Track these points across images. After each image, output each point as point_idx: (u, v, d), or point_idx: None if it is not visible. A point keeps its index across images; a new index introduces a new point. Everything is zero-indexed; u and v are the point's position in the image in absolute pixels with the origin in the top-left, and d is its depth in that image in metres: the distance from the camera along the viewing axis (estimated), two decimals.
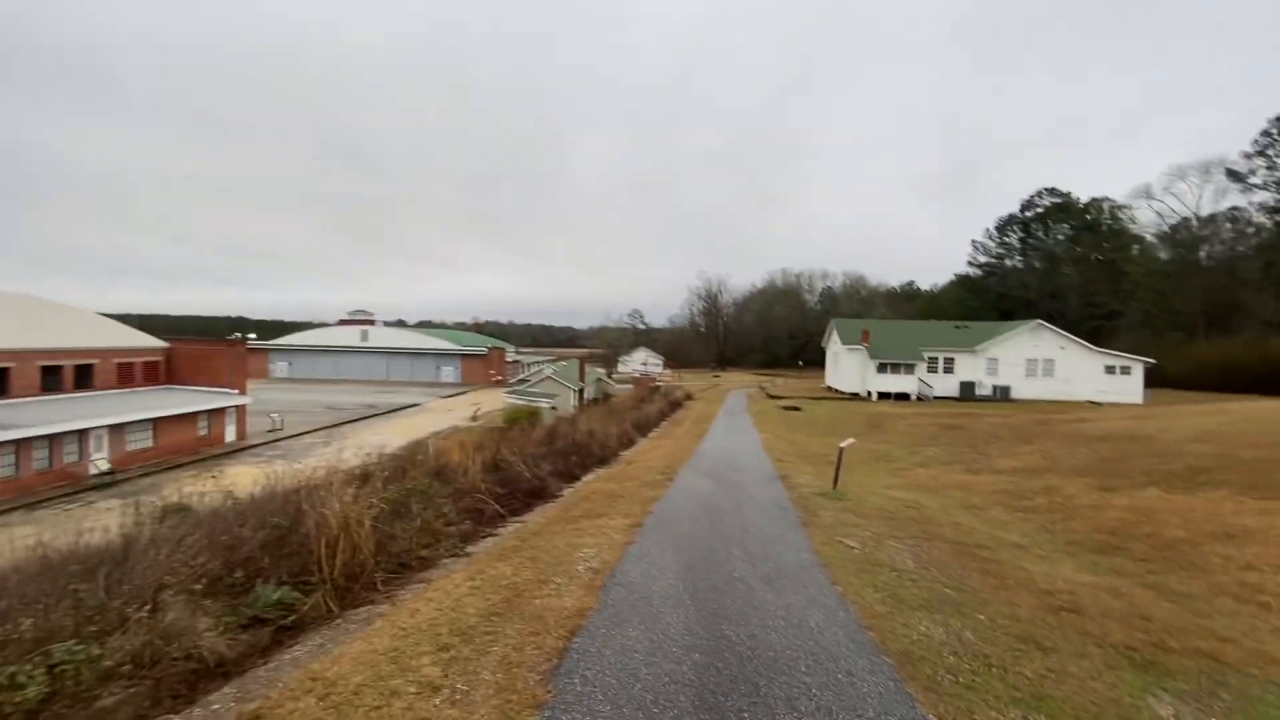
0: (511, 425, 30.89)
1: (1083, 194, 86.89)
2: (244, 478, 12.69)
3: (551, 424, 22.94)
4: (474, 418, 49.62)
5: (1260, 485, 8.92)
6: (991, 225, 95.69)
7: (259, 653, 4.42)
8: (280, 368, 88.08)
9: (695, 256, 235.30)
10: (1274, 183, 65.48)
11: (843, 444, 10.20)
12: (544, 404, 49.43)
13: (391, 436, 40.19)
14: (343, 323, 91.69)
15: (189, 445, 32.51)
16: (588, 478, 13.16)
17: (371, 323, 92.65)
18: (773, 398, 48.08)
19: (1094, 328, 67.59)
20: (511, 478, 10.67)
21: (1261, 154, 65.22)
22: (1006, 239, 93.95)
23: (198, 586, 4.58)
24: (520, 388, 59.38)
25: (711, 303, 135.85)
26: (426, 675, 3.73)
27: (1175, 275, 70.89)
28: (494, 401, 59.97)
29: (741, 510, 8.68)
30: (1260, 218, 66.94)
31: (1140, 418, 19.59)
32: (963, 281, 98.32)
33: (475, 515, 8.49)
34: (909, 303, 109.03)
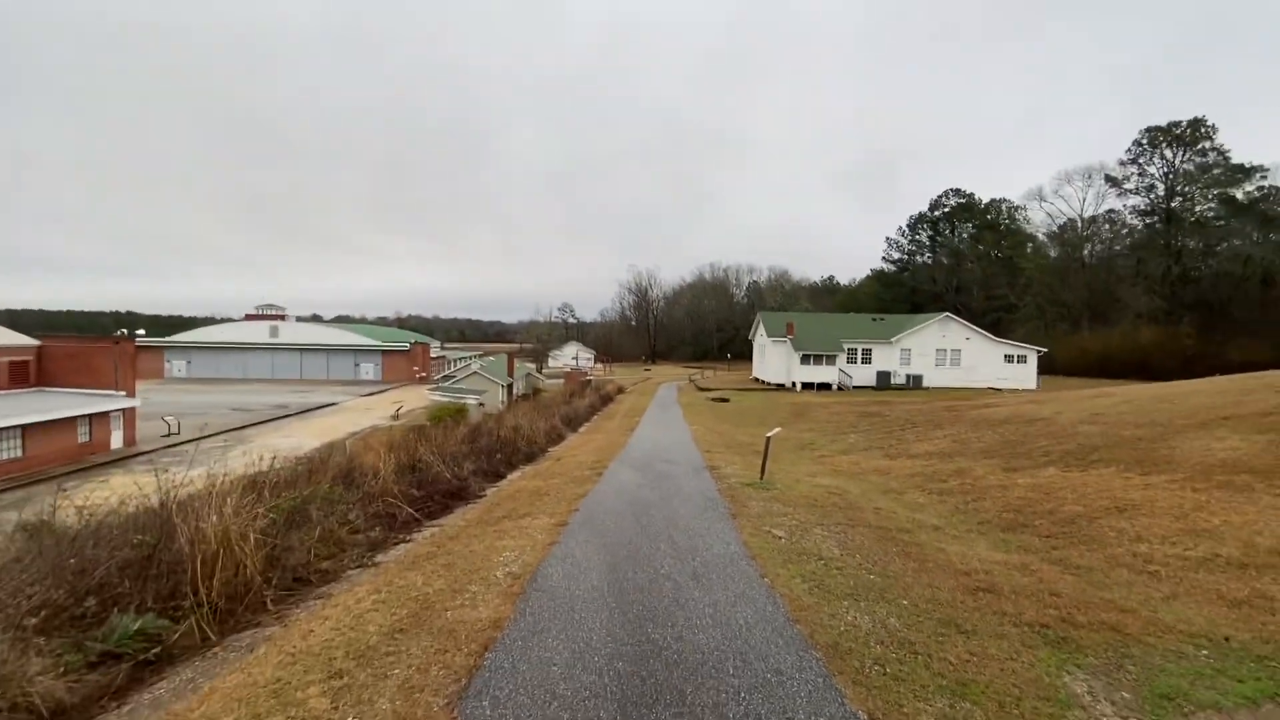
0: (436, 423, 29.68)
1: (985, 195, 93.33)
2: (126, 488, 11.34)
3: (478, 421, 22.13)
4: (396, 416, 47.46)
5: (1142, 461, 9.66)
6: (904, 223, 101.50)
7: (111, 694, 3.78)
8: (177, 367, 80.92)
9: (626, 250, 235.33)
10: (1144, 188, 72.69)
11: (769, 434, 10.26)
12: (471, 400, 47.94)
13: (305, 438, 37.74)
14: (250, 318, 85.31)
15: (68, 454, 29.18)
16: (513, 476, 12.67)
17: (282, 318, 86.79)
18: (702, 390, 48.76)
19: (994, 319, 72.86)
20: (430, 479, 10.05)
21: (1134, 162, 72.19)
22: (917, 236, 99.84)
23: (32, 621, 3.86)
24: (446, 384, 57.38)
25: (642, 297, 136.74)
26: (313, 709, 3.27)
27: (1062, 271, 77.54)
28: (418, 399, 57.60)
29: (670, 503, 8.51)
30: (1133, 220, 74.15)
31: (1036, 402, 21.09)
32: (878, 276, 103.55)
33: (388, 521, 7.89)
34: (830, 296, 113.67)
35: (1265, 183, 63.61)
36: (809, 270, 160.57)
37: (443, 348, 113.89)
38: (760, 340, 56.18)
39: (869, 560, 5.83)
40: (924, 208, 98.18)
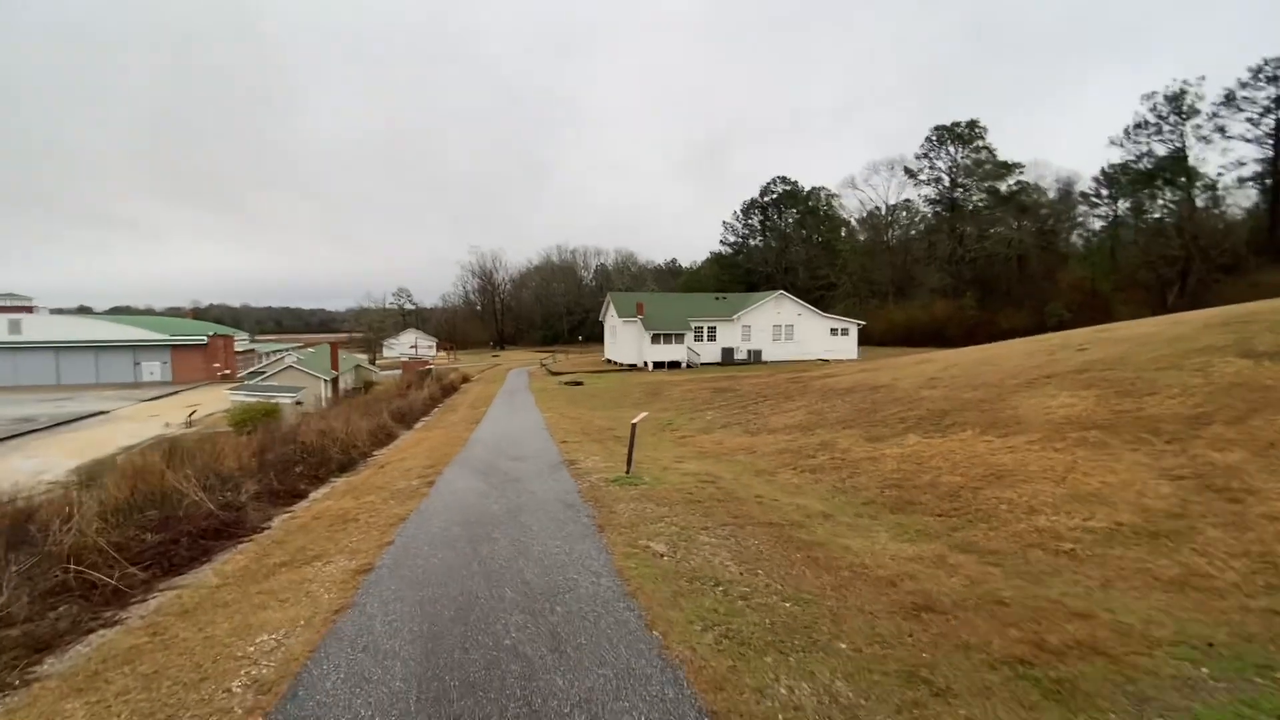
0: (239, 429, 24.78)
1: (807, 183, 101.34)
2: None
3: (294, 423, 18.39)
4: (189, 423, 39.67)
5: (995, 424, 9.78)
6: (738, 208, 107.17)
7: None
8: None
9: (466, 230, 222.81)
10: (934, 179, 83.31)
11: (635, 420, 8.89)
12: (285, 399, 41.43)
13: (57, 459, 29.73)
14: None
15: None
16: (319, 493, 9.98)
17: (29, 309, 69.32)
18: (554, 374, 46.89)
19: (819, 297, 79.53)
20: (181, 515, 7.22)
21: (926, 156, 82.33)
22: (750, 221, 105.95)
23: None
24: (253, 382, 49.28)
25: (487, 280, 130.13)
26: None
27: (872, 253, 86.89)
28: (219, 401, 48.93)
29: (519, 518, 6.73)
30: (925, 207, 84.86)
31: (870, 370, 22.32)
32: (717, 259, 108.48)
33: (83, 595, 5.20)
34: (674, 278, 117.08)
35: (1022, 177, 75.89)
36: (654, 253, 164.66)
37: (253, 340, 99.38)
38: (611, 321, 55.50)
39: (775, 577, 4.60)
40: (755, 194, 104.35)
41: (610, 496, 7.53)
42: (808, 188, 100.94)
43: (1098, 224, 72.59)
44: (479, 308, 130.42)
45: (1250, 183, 55.65)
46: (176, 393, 59.34)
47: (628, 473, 8.71)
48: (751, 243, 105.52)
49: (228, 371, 71.46)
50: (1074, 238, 77.19)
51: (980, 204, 78.99)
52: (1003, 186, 77.36)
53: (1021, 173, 76.91)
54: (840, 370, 27.02)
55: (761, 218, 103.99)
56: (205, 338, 72.51)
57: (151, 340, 70.59)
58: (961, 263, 77.27)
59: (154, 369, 69.85)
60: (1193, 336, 11.64)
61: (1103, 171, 68.30)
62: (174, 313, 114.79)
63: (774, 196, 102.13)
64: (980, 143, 79.21)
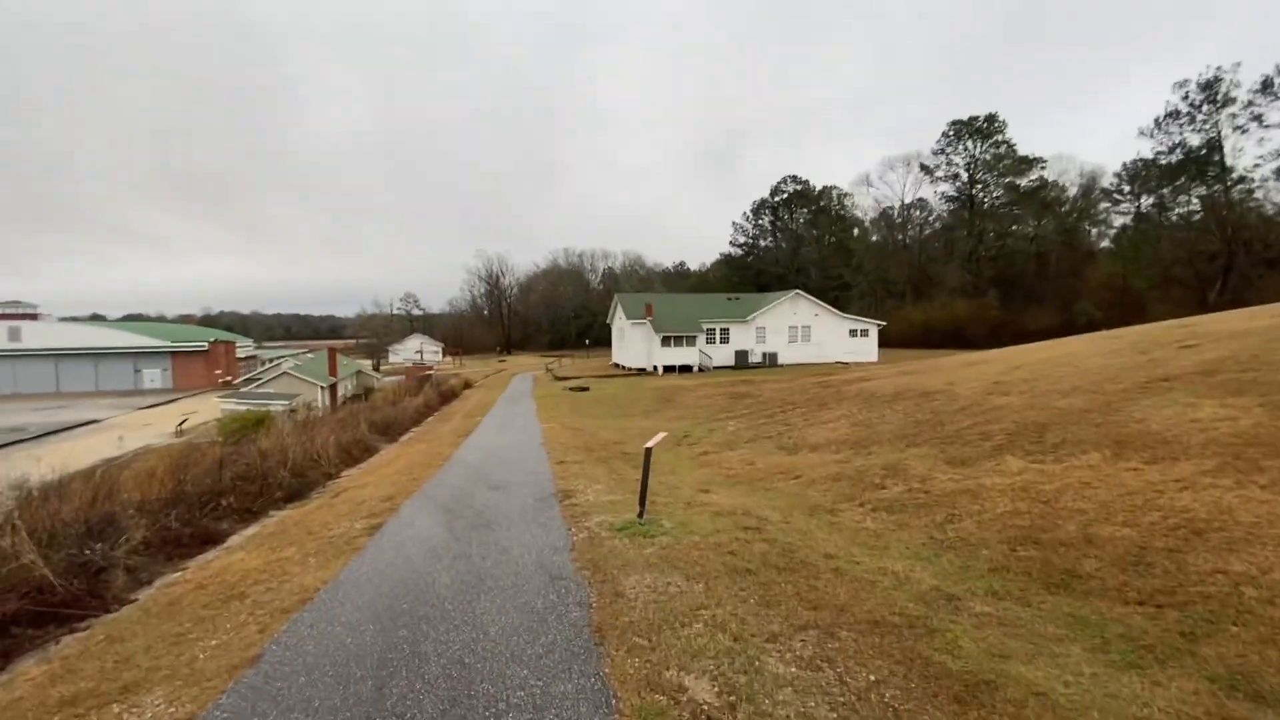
0: (233, 438, 22.77)
1: (819, 181, 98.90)
2: None
3: (284, 432, 16.17)
4: (178, 432, 37.75)
5: (1126, 443, 7.35)
6: (748, 209, 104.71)
7: None
8: None
9: (472, 235, 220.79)
10: (951, 177, 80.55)
11: (650, 442, 6.54)
12: (278, 407, 39.39)
13: (41, 468, 27.79)
14: None
15: None
16: (238, 537, 7.67)
17: (34, 317, 68.08)
18: (560, 379, 44.59)
19: (833, 298, 76.75)
20: None
21: (943, 152, 79.62)
22: (760, 221, 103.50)
23: None
24: (247, 390, 47.37)
25: (494, 284, 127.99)
26: None
27: (888, 252, 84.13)
28: (215, 409, 47.08)
29: (474, 605, 4.37)
30: (942, 205, 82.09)
31: (911, 374, 19.84)
32: (727, 260, 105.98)
33: None
34: (682, 281, 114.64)
35: (1044, 172, 72.95)
36: (662, 256, 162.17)
37: (259, 346, 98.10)
38: (619, 324, 53.17)
39: None
40: (765, 194, 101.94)
41: (616, 560, 5.17)
42: (819, 187, 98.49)
43: (1121, 220, 69.50)
44: (486, 312, 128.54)
45: None
46: (175, 400, 57.65)
47: (640, 517, 6.34)
48: (762, 243, 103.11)
49: (230, 378, 69.79)
50: (1098, 234, 74.15)
51: (1000, 200, 76.14)
52: (1023, 182, 74.46)
53: (1043, 168, 74.00)
54: (871, 373, 24.56)
55: (772, 218, 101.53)
56: (206, 344, 70.88)
57: (152, 347, 69.09)
58: (982, 261, 74.39)
59: (154, 376, 68.33)
60: None
61: (1125, 166, 65.46)
62: (185, 320, 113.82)
63: (785, 196, 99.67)
64: (1000, 137, 76.36)
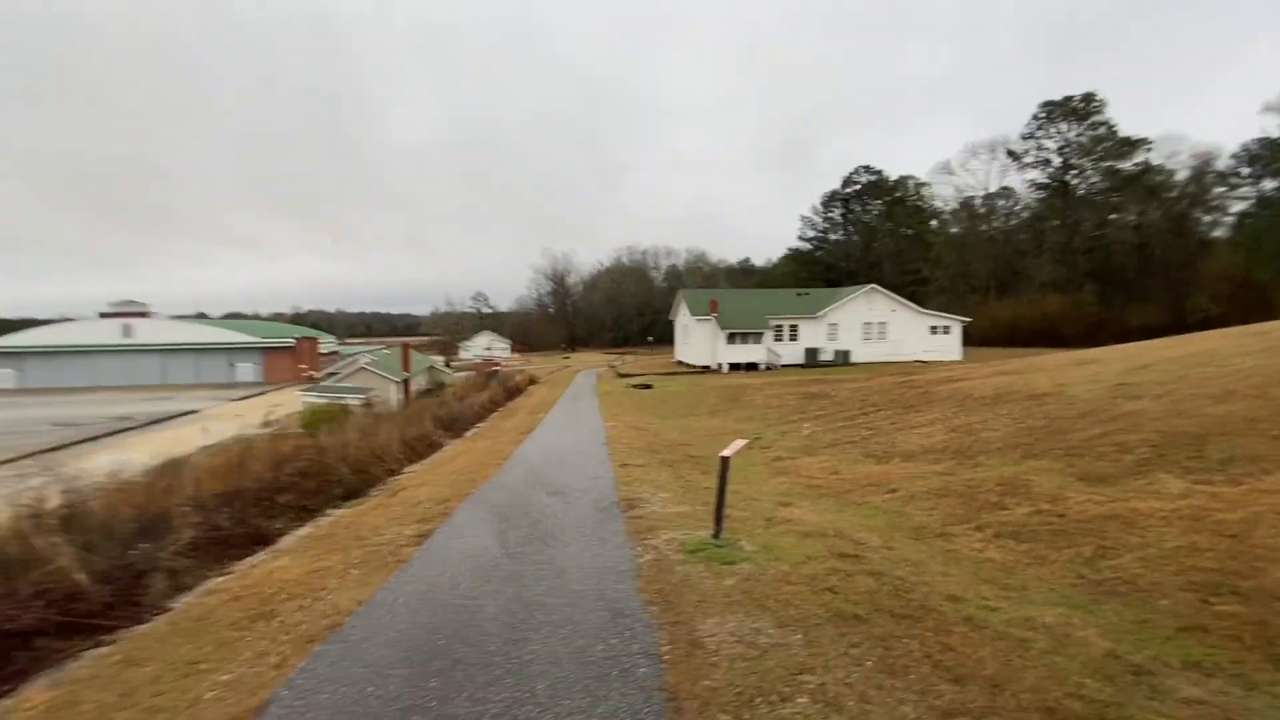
0: (310, 429, 23.60)
1: (894, 171, 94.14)
2: None
3: (365, 425, 16.35)
4: (265, 423, 39.79)
5: None
6: (817, 201, 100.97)
7: None
8: (4, 377, 66.66)
9: (540, 233, 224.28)
10: (1041, 162, 74.63)
11: (727, 451, 5.62)
12: (354, 400, 40.90)
13: (138, 456, 29.90)
14: (105, 316, 71.94)
15: None
16: (289, 539, 7.34)
17: (145, 315, 74.16)
18: (623, 376, 44.18)
19: (910, 293, 72.54)
20: None
21: (1033, 136, 73.87)
22: (830, 214, 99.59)
23: None
24: (326, 384, 49.57)
25: (559, 282, 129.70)
26: None
27: (969, 245, 78.91)
28: (298, 402, 49.58)
29: (520, 648, 3.63)
30: (1032, 193, 76.17)
31: (1009, 373, 17.91)
32: (794, 256, 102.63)
33: None
34: (747, 278, 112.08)
35: (1150, 155, 66.22)
36: (726, 252, 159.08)
37: (342, 343, 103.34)
38: (683, 320, 52.21)
39: None
40: (836, 185, 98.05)
41: (690, 592, 4.32)
42: (894, 177, 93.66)
43: (1240, 206, 61.96)
44: (551, 310, 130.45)
45: None
46: (264, 393, 61.18)
47: (716, 536, 5.46)
48: (832, 237, 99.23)
49: (313, 373, 73.58)
50: (1212, 221, 66.38)
51: (1098, 187, 69.69)
52: (1125, 166, 67.82)
53: (1149, 149, 66.91)
54: (959, 373, 22.54)
55: (843, 210, 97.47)
56: (293, 340, 75.13)
57: (244, 343, 73.83)
58: (1076, 253, 68.38)
59: (247, 370, 72.95)
60: None
61: (1245, 147, 58.31)
62: (277, 318, 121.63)
63: (857, 187, 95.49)
64: (1098, 118, 69.89)
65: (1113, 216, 69.45)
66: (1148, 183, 66.74)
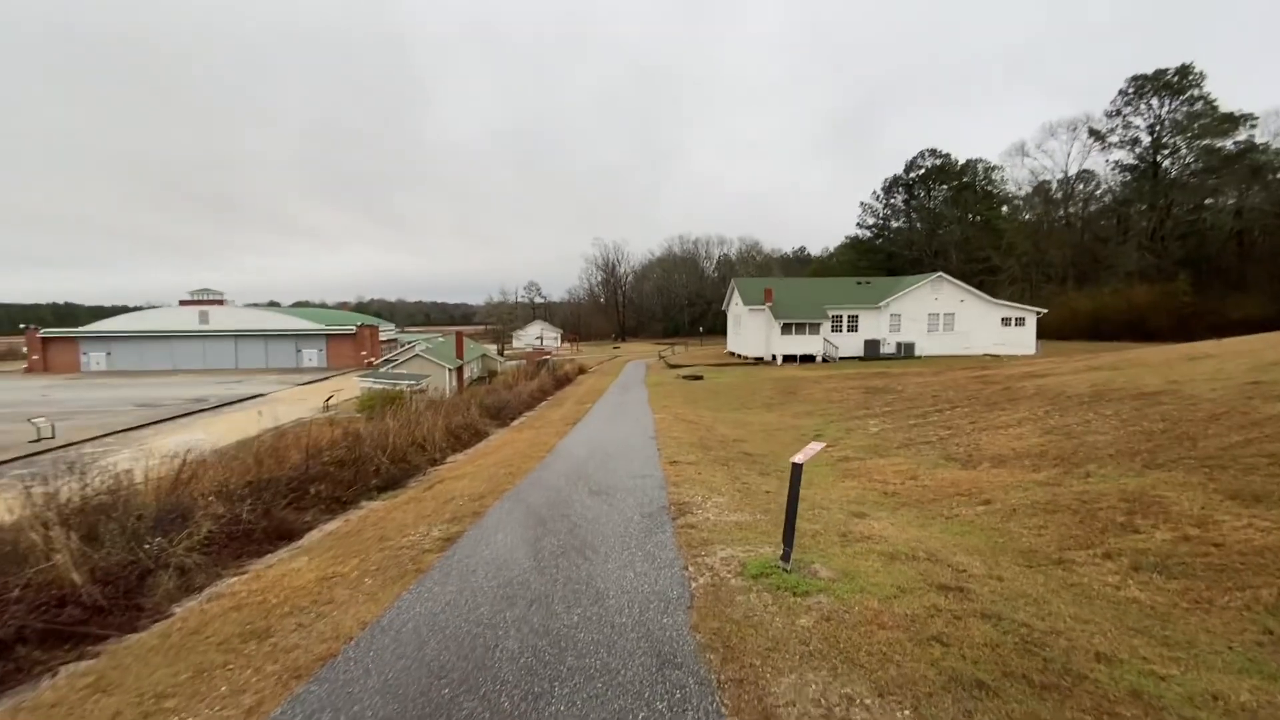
0: (368, 413, 23.96)
1: (962, 155, 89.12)
2: None
3: (419, 409, 16.24)
4: (325, 408, 41.09)
5: None
6: (878, 187, 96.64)
7: None
8: (95, 360, 71.96)
9: (592, 223, 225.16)
10: (1129, 142, 68.75)
11: (799, 457, 4.63)
12: (407, 386, 41.66)
13: (206, 437, 31.26)
14: (184, 304, 76.83)
15: None
16: (312, 536, 6.88)
17: (221, 303, 78.38)
18: (673, 367, 43.27)
19: (978, 283, 68.60)
20: None
21: (1118, 113, 68.11)
22: (892, 200, 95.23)
23: None
24: (383, 370, 50.83)
25: (610, 272, 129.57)
26: None
27: (1046, 231, 73.75)
28: (356, 387, 51.09)
29: (542, 709, 2.88)
30: (1117, 174, 70.35)
31: (1104, 369, 16.03)
32: (853, 244, 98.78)
33: None
34: (802, 267, 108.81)
35: (1254, 132, 59.79)
36: (780, 241, 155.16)
37: (400, 331, 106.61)
38: (736, 310, 50.77)
39: None
40: (899, 170, 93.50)
41: (756, 636, 3.45)
42: (961, 161, 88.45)
43: None
44: (602, 300, 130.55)
45: None
46: (327, 378, 63.43)
47: (786, 559, 4.55)
48: (894, 224, 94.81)
49: (372, 359, 75.99)
50: None
51: (1193, 168, 63.47)
52: (1226, 145, 61.42)
53: (1253, 125, 60.23)
54: (1040, 367, 20.58)
55: (906, 196, 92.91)
56: (354, 327, 77.94)
57: (309, 330, 76.98)
58: (1167, 239, 62.71)
59: (312, 356, 76.15)
60: None
61: None
62: (341, 306, 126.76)
63: (921, 172, 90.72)
64: (1195, 92, 63.52)
65: (1209, 200, 63.25)
66: (1251, 162, 60.30)
